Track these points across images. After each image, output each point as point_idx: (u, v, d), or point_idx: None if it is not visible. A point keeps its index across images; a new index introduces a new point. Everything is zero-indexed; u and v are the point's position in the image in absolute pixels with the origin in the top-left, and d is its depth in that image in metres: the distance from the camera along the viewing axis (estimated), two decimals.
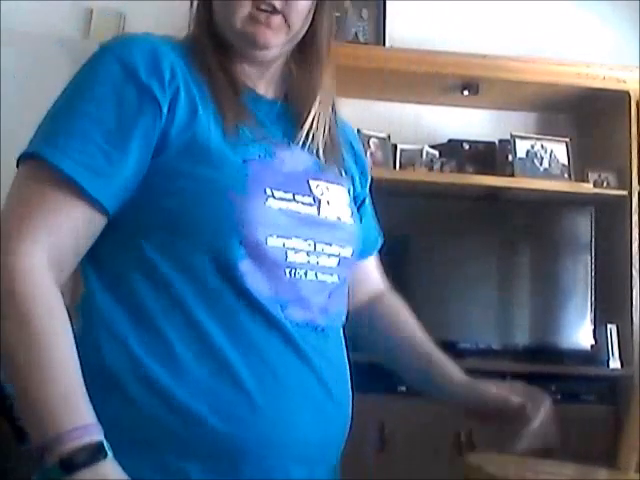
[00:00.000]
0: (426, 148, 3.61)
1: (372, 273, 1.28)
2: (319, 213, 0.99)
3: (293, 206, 0.97)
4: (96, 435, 0.81)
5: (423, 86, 3.57)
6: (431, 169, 3.56)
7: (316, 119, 1.03)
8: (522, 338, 3.69)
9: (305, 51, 1.06)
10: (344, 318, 1.08)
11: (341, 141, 1.11)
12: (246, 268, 0.93)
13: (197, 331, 0.90)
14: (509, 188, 3.57)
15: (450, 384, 1.17)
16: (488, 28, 3.82)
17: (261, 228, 0.93)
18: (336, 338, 1.04)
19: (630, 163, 3.52)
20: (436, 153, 3.62)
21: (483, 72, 3.45)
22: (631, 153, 3.52)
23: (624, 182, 3.56)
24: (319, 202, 0.99)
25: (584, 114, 3.83)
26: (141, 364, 0.88)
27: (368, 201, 1.24)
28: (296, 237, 0.96)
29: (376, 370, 3.24)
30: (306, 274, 0.97)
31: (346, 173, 1.11)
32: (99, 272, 0.94)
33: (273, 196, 0.95)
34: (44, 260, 0.84)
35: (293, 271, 0.96)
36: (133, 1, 3.40)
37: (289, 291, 0.95)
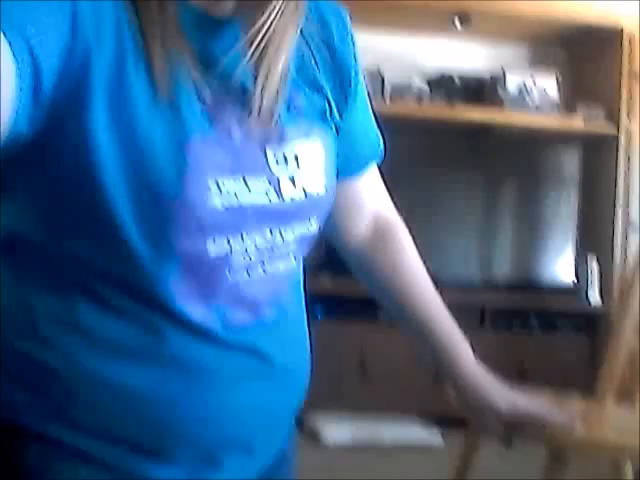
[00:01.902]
0: (415, 81, 3.57)
1: (373, 192, 1.04)
2: (279, 196, 0.80)
3: (244, 198, 0.77)
4: None
5: (413, 17, 3.51)
6: (420, 103, 3.53)
7: (271, 32, 0.77)
8: (504, 272, 3.74)
9: None
10: (302, 283, 0.92)
11: (312, 54, 0.86)
12: (176, 286, 0.76)
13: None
14: (498, 123, 3.55)
15: (456, 368, 1.05)
16: None
17: (201, 235, 0.75)
18: (293, 320, 0.90)
19: (620, 100, 3.50)
20: (426, 87, 3.59)
21: (475, 3, 3.39)
22: (622, 90, 3.49)
23: (614, 119, 3.55)
24: (278, 182, 0.80)
25: (577, 49, 3.79)
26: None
27: (361, 105, 0.96)
28: (246, 233, 0.78)
29: (357, 299, 3.30)
30: (252, 272, 0.81)
31: (324, 110, 0.87)
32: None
33: (219, 190, 0.75)
34: None
35: (237, 274, 0.79)
36: None
37: (230, 295, 0.80)
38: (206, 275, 0.78)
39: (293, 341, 0.90)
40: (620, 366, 1.64)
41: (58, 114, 0.70)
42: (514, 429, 1.09)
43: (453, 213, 3.67)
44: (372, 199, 1.04)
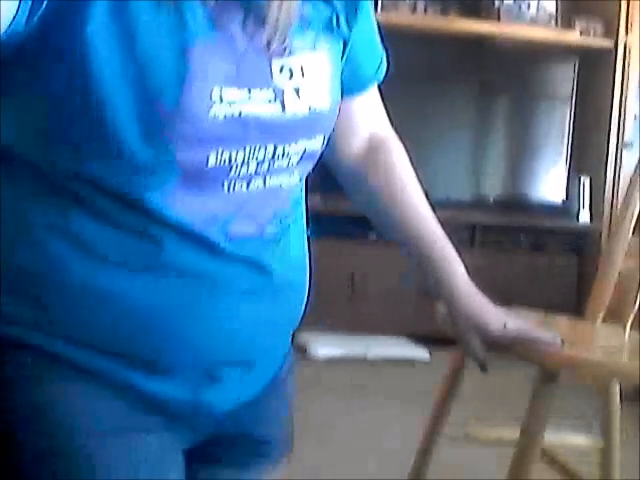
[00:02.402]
0: None
1: (370, 112, 1.03)
2: (283, 109, 0.77)
3: (248, 108, 0.75)
4: None
5: None
6: (414, 12, 3.42)
7: None
8: (494, 190, 3.71)
9: None
10: (303, 199, 0.90)
11: None
12: (174, 195, 0.75)
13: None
14: (493, 35, 3.46)
15: (449, 285, 1.05)
16: None
17: (201, 147, 0.74)
18: (294, 237, 0.88)
19: (619, 12, 3.40)
20: None
21: None
22: (620, 4, 3.40)
23: (611, 32, 3.46)
24: (282, 94, 0.77)
25: None
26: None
27: (369, 21, 0.95)
28: (249, 147, 0.76)
29: (348, 217, 3.28)
30: (253, 186, 0.79)
31: (330, 21, 0.84)
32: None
33: (220, 99, 0.73)
34: None
35: (235, 185, 0.77)
36: None
37: (231, 207, 0.78)
38: (206, 186, 0.76)
39: (293, 258, 0.88)
40: (610, 287, 1.63)
41: (58, 10, 0.68)
42: (502, 349, 1.09)
43: (444, 129, 3.61)
44: (369, 119, 1.03)
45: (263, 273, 0.82)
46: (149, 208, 0.75)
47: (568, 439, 1.71)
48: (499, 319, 1.07)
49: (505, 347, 1.09)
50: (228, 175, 0.77)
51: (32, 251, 0.76)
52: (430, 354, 3.20)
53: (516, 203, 3.68)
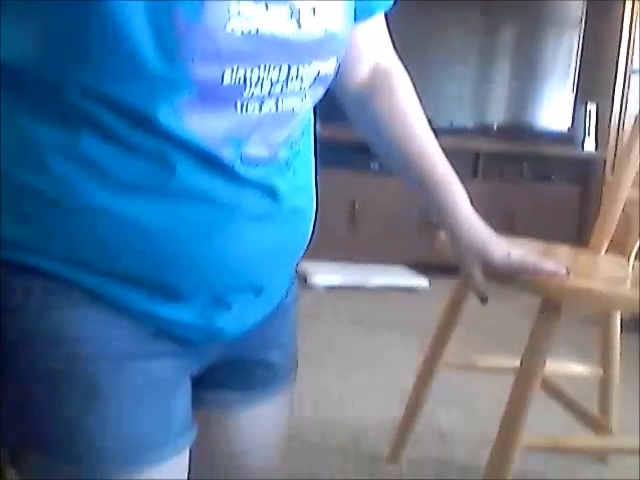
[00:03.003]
0: None
1: (377, 40, 1.03)
2: (299, 27, 0.77)
3: (264, 25, 0.74)
4: None
5: None
6: None
7: None
8: (498, 117, 3.65)
9: None
10: (312, 124, 0.90)
11: None
12: (187, 113, 0.73)
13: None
14: None
15: (452, 213, 1.04)
16: None
17: (217, 63, 0.72)
18: (304, 164, 0.88)
19: None
20: None
21: None
22: None
23: None
24: (299, 13, 0.77)
25: None
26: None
27: None
28: (263, 65, 0.75)
29: (350, 147, 3.24)
30: (265, 107, 0.77)
31: None
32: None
33: (238, 13, 0.72)
34: None
35: (248, 106, 0.76)
36: None
37: (244, 128, 0.77)
38: (219, 105, 0.75)
39: (302, 185, 0.88)
40: (614, 218, 1.61)
41: None
42: (505, 279, 1.08)
43: (447, 54, 3.52)
44: (375, 46, 1.03)
45: (274, 198, 0.81)
46: (162, 126, 0.73)
47: (567, 368, 1.72)
48: (503, 248, 1.06)
49: (508, 277, 1.08)
50: (242, 94, 0.75)
51: (37, 172, 0.74)
52: (430, 282, 3.21)
53: (520, 131, 3.62)
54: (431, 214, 1.08)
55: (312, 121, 0.91)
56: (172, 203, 0.76)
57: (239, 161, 0.77)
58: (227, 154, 0.76)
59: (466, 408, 1.98)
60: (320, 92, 0.85)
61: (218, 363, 0.88)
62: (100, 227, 0.75)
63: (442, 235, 1.30)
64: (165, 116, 0.73)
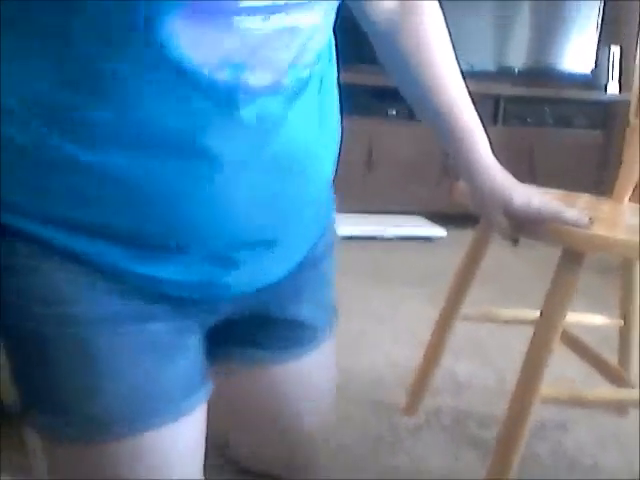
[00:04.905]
0: None
1: None
2: None
3: None
4: None
5: None
6: None
7: None
8: (520, 60, 3.55)
9: None
10: (325, 52, 0.80)
11: None
12: (180, 34, 0.65)
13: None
14: None
15: (473, 159, 1.00)
16: None
17: None
18: (311, 91, 0.78)
19: None
20: None
21: None
22: None
23: None
24: None
25: None
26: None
27: None
28: None
29: (366, 92, 3.16)
30: (269, 22, 0.69)
31: None
32: None
33: None
34: None
35: (250, 20, 0.67)
36: None
37: (242, 50, 0.68)
38: (216, 21, 0.66)
39: (316, 121, 0.79)
40: (637, 165, 1.55)
41: None
42: (526, 227, 1.05)
43: None
44: None
45: (276, 135, 0.73)
46: (153, 42, 0.64)
47: (586, 319, 1.68)
48: (524, 195, 1.02)
49: (529, 226, 1.05)
50: (238, 5, 0.66)
51: (14, 126, 0.69)
52: (447, 232, 3.17)
53: (542, 74, 3.52)
54: (452, 158, 1.04)
55: (333, 48, 0.83)
56: (167, 156, 0.69)
57: (239, 90, 0.69)
58: (225, 78, 0.68)
59: (484, 360, 1.96)
60: (328, 6, 0.75)
61: (244, 318, 0.84)
62: (86, 183, 0.70)
63: (461, 184, 1.25)
64: (156, 34, 0.64)
